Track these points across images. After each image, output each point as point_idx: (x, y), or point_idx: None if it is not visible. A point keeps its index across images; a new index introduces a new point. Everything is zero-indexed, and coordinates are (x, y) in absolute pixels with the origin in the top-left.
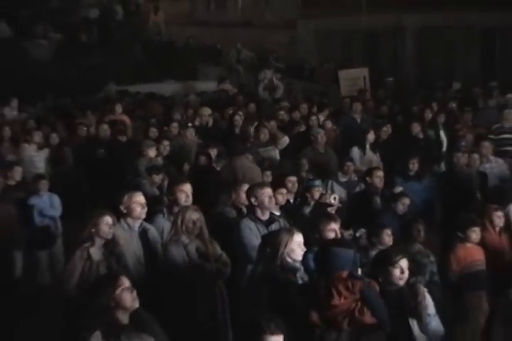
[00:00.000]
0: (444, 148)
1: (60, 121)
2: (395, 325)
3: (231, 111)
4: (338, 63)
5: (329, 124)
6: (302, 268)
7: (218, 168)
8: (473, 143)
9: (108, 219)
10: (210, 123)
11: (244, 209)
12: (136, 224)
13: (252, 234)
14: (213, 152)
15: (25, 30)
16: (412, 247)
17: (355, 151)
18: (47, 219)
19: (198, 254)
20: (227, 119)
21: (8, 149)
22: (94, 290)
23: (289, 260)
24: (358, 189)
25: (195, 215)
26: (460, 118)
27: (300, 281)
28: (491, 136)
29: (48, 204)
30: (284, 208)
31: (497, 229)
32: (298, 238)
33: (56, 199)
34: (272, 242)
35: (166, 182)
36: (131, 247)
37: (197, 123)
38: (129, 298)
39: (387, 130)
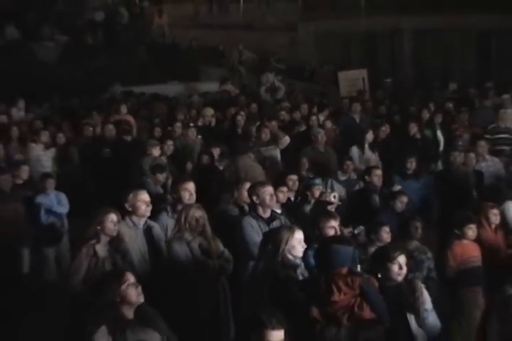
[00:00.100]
0: (441, 148)
1: (66, 121)
2: (394, 320)
3: (233, 112)
4: (337, 65)
5: (329, 124)
6: (303, 264)
7: (221, 167)
8: (469, 142)
9: (113, 216)
10: (213, 123)
11: (246, 207)
12: (141, 222)
13: (254, 232)
14: (216, 151)
15: (32, 33)
16: (410, 244)
17: (355, 150)
18: (53, 217)
19: (201, 251)
20: (230, 119)
21: (16, 149)
22: (100, 286)
23: (289, 256)
24: (357, 187)
25: (198, 213)
26: (457, 118)
27: (300, 277)
28: (487, 136)
29: (55, 202)
30: (285, 206)
31: (493, 226)
32: (298, 235)
33: (63, 197)
34: (273, 239)
35: (169, 181)
36: (136, 244)
37: (200, 123)
38: (134, 293)
39: (385, 130)
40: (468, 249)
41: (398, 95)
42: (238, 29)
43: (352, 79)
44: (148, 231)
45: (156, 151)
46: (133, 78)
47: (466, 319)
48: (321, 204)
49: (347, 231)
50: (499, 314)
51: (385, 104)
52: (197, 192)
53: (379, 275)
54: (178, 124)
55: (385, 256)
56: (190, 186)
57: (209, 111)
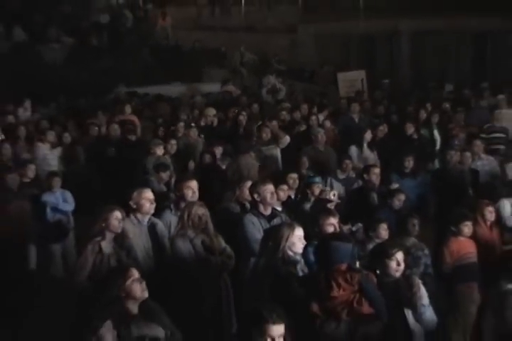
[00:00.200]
0: (438, 147)
1: (71, 121)
2: (392, 315)
3: (235, 112)
4: (337, 66)
5: (328, 124)
6: (302, 260)
7: (223, 166)
8: (465, 141)
9: (118, 214)
10: (215, 123)
11: (248, 205)
12: (145, 219)
13: (255, 229)
14: (218, 150)
15: (39, 35)
16: (408, 241)
17: (353, 150)
18: (59, 214)
19: (204, 248)
20: (232, 119)
21: (23, 148)
22: (105, 282)
23: (290, 253)
24: (355, 185)
25: (200, 210)
26: (453, 118)
27: (300, 273)
28: (483, 135)
29: (61, 200)
30: (286, 204)
31: (488, 223)
32: (298, 232)
33: (69, 195)
34: (274, 236)
35: (173, 179)
36: (140, 241)
37: (202, 123)
38: (138, 288)
39: (383, 129)
40: (464, 245)
41: (396, 95)
42: (240, 31)
43: (351, 80)
44: (152, 228)
45: (159, 150)
46: (137, 79)
47: (462, 314)
48: (321, 202)
49: (346, 228)
50: (494, 309)
51: (383, 104)
52: (199, 190)
53: (377, 272)
54: (181, 124)
55: (383, 253)
56: (193, 184)
57: (211, 111)
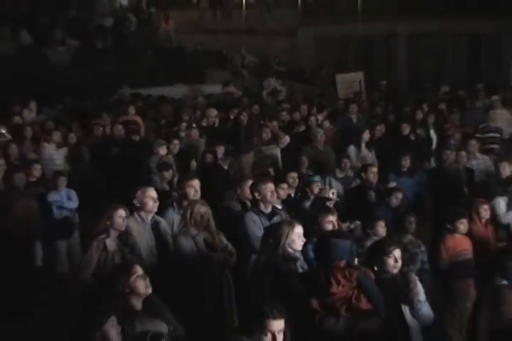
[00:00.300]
0: (434, 146)
1: (76, 122)
2: (389, 311)
3: (236, 112)
4: (335, 67)
5: (327, 124)
6: (302, 257)
7: (225, 165)
8: (461, 141)
9: (122, 212)
10: (217, 124)
11: (249, 203)
12: (149, 217)
13: (256, 226)
14: (220, 150)
15: (44, 38)
16: (405, 238)
17: (352, 149)
18: (65, 212)
19: (206, 245)
20: (233, 120)
21: (29, 148)
22: (109, 278)
23: (289, 250)
24: (354, 184)
25: (203, 209)
26: (449, 119)
27: (300, 270)
28: (478, 135)
29: (66, 198)
30: (286, 202)
31: (483, 221)
32: (298, 230)
33: (73, 194)
34: (274, 234)
35: (176, 178)
36: (144, 238)
37: (204, 123)
38: (142, 284)
39: (380, 129)
40: (460, 242)
41: (393, 96)
42: (241, 34)
43: (349, 81)
44: (155, 226)
45: (162, 150)
46: (141, 81)
47: (458, 309)
48: (320, 200)
49: (345, 225)
50: (489, 304)
51: (380, 105)
52: (201, 189)
53: (375, 268)
54: (184, 124)
55: (381, 250)
56: (196, 183)
57: (213, 112)
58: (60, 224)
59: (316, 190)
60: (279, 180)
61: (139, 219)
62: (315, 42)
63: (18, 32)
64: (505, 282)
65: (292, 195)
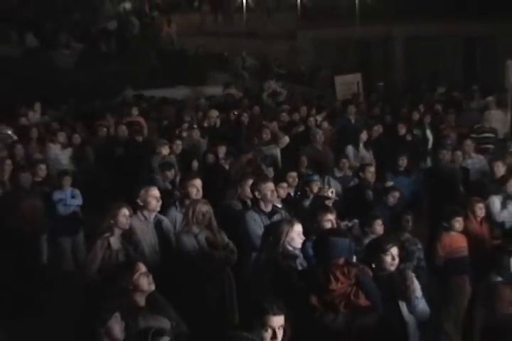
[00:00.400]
0: (430, 146)
1: (80, 123)
2: (387, 307)
3: (237, 113)
4: (334, 69)
5: (326, 125)
6: (301, 255)
7: (227, 165)
8: (456, 141)
9: (125, 211)
10: (218, 124)
11: (249, 202)
12: (152, 216)
13: (256, 225)
14: (222, 150)
15: (50, 41)
16: (402, 236)
17: (350, 149)
18: (70, 209)
19: (208, 243)
20: (234, 120)
21: (35, 149)
22: (113, 276)
23: (289, 248)
24: (352, 183)
25: (204, 208)
26: (444, 119)
27: (300, 267)
28: (473, 135)
29: (70, 196)
30: (286, 201)
31: (478, 219)
32: (298, 228)
33: (77, 193)
34: (274, 232)
35: (178, 178)
36: (147, 237)
37: (206, 124)
38: (145, 281)
39: (377, 129)
40: (455, 240)
41: (390, 97)
42: (241, 37)
43: (348, 83)
44: (158, 224)
45: (165, 150)
46: (143, 82)
47: (454, 305)
48: (319, 199)
49: (343, 224)
50: (484, 300)
51: (378, 105)
52: (203, 188)
53: (373, 266)
54: (186, 125)
55: (378, 248)
56: (197, 183)
57: (214, 113)
58: (65, 221)
59: (316, 189)
60: (279, 179)
61: (142, 218)
62: (314, 45)
63: (24, 35)
64: (500, 279)
65: (292, 194)
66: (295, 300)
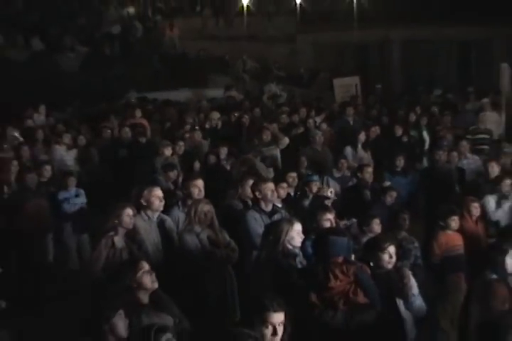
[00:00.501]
0: (427, 147)
1: (85, 125)
2: (384, 304)
3: (238, 115)
4: (332, 72)
5: (325, 126)
6: (301, 253)
7: (228, 166)
8: (452, 142)
9: (129, 211)
10: (219, 126)
11: (250, 202)
12: (155, 215)
13: (257, 224)
14: (224, 151)
15: (55, 45)
16: (399, 234)
17: (348, 150)
18: (75, 208)
19: (209, 242)
20: (235, 122)
21: (41, 150)
22: (117, 274)
23: (289, 246)
24: (350, 183)
25: (206, 207)
26: (441, 121)
27: (299, 265)
28: (468, 136)
29: (74, 196)
30: (286, 200)
31: (474, 218)
32: (297, 227)
33: (82, 192)
34: (274, 231)
35: (180, 178)
36: (151, 236)
37: (207, 126)
38: (148, 279)
39: (375, 130)
40: (451, 238)
41: (388, 100)
42: (242, 40)
43: (346, 85)
44: (161, 223)
45: (167, 151)
46: (147, 85)
47: (450, 302)
48: (319, 198)
49: (342, 223)
50: (480, 297)
51: (375, 107)
52: (205, 188)
53: (371, 264)
54: (188, 127)
55: (376, 246)
56: (199, 183)
57: (215, 115)
58: (70, 220)
59: (315, 189)
60: (279, 179)
61: (146, 218)
62: (313, 48)
63: (31, 40)
64: (494, 276)
65: (292, 194)
66: (295, 297)
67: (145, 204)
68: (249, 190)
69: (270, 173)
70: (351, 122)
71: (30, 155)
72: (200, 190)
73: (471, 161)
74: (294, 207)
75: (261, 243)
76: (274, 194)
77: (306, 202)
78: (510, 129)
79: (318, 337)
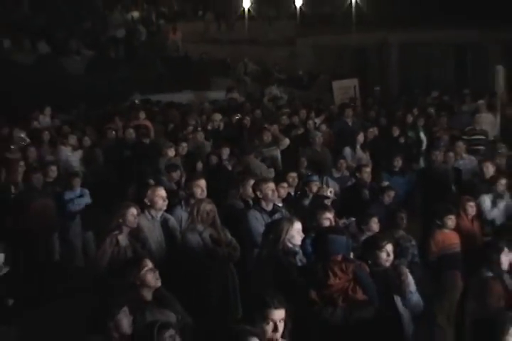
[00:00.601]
0: (424, 147)
1: (90, 126)
2: (382, 301)
3: (239, 117)
4: (332, 75)
5: (324, 127)
6: (301, 252)
7: (230, 166)
8: (448, 143)
9: (133, 210)
10: (221, 127)
11: (251, 202)
12: (158, 215)
13: (258, 223)
14: (226, 151)
15: (61, 48)
16: (396, 233)
17: (347, 150)
18: (80, 208)
19: (212, 240)
20: (236, 124)
21: (47, 151)
22: (122, 271)
23: (289, 245)
24: (349, 183)
25: (209, 207)
26: (437, 122)
27: (299, 263)
28: (464, 137)
29: (79, 196)
30: (286, 200)
31: (470, 217)
32: (297, 226)
33: (86, 193)
34: (275, 229)
35: (183, 179)
36: (154, 234)
37: (209, 127)
38: (152, 277)
39: (373, 131)
40: (448, 236)
41: (386, 101)
42: (243, 44)
43: (345, 87)
44: (164, 222)
45: (171, 152)
46: (150, 88)
47: (447, 299)
48: (318, 198)
49: (341, 222)
50: (475, 294)
51: (374, 109)
52: (207, 188)
53: (369, 262)
54: (191, 128)
55: (374, 245)
56: (202, 183)
57: (217, 117)
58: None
59: (315, 189)
60: (279, 179)
61: (150, 217)
62: (313, 51)
63: (37, 43)
64: (490, 274)
65: (292, 194)
66: (295, 294)
67: (149, 203)
68: (250, 190)
69: (271, 173)
70: (350, 123)
71: (36, 155)
72: (202, 190)
73: (467, 161)
74: (294, 206)
75: (262, 241)
76: (274, 193)
77: (306, 202)
78: (505, 130)
79: (318, 333)
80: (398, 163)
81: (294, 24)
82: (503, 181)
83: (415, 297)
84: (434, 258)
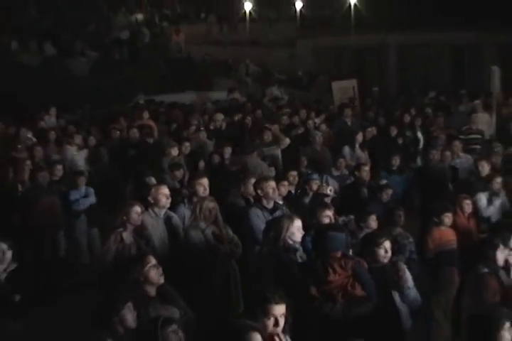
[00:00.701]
0: (421, 147)
1: (94, 126)
2: (381, 297)
3: (241, 117)
4: (331, 75)
5: (324, 127)
6: (301, 248)
7: (232, 164)
8: (445, 142)
9: (137, 208)
10: (223, 127)
11: (252, 200)
12: (162, 212)
13: (259, 220)
14: (228, 150)
15: (66, 50)
16: (394, 230)
17: (346, 150)
18: (85, 207)
19: (214, 237)
20: (238, 123)
21: (53, 150)
22: (126, 268)
23: (290, 242)
24: (348, 181)
25: (211, 204)
26: (434, 122)
27: (299, 260)
28: (461, 136)
29: (84, 195)
30: (286, 198)
31: (466, 214)
32: (297, 223)
33: (91, 192)
34: (276, 227)
35: (186, 177)
36: (158, 231)
37: (212, 127)
38: (155, 273)
39: (371, 131)
40: (445, 234)
41: (384, 101)
42: (245, 45)
43: (344, 88)
44: (168, 220)
45: (174, 151)
46: (154, 88)
47: (444, 294)
48: (318, 196)
49: (340, 219)
50: (472, 290)
51: (372, 109)
52: (209, 186)
53: (367, 258)
54: (193, 128)
55: (372, 242)
56: (204, 181)
57: (219, 117)
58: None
59: (315, 187)
60: (280, 178)
61: (153, 214)
62: (312, 52)
63: (43, 45)
64: (486, 270)
65: (292, 192)
66: (296, 290)
67: (152, 201)
68: (251, 188)
69: (272, 172)
70: (349, 123)
71: (43, 155)
72: (205, 188)
73: (463, 160)
74: (294, 204)
75: (263, 238)
76: (275, 192)
77: (306, 200)
78: (500, 129)
79: (318, 328)
80: (396, 161)
81: (294, 26)
82: (499, 179)
83: (413, 292)
84: (432, 255)
